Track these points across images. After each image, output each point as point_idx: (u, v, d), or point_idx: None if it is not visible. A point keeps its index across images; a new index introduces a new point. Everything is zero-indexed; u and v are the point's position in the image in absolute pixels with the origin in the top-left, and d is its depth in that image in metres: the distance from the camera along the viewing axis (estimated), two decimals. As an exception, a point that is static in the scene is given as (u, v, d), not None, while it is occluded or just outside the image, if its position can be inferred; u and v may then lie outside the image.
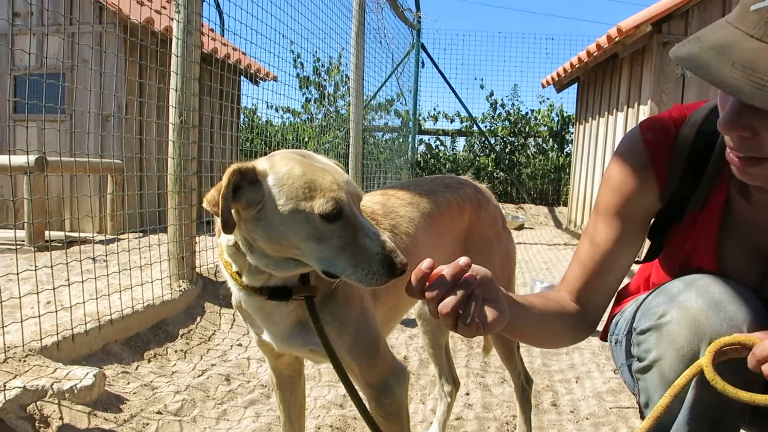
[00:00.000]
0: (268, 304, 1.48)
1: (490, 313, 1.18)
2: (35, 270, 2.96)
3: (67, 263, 3.28)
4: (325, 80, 12.69)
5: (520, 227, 11.72)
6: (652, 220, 1.57)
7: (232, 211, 1.32)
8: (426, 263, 1.17)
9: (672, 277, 1.53)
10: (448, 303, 1.13)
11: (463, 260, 1.18)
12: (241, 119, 11.14)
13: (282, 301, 1.46)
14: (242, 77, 9.14)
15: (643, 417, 1.56)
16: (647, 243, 1.63)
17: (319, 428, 2.52)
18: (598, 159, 10.01)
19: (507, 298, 1.33)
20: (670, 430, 1.42)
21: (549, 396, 3.06)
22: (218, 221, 1.35)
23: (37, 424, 2.35)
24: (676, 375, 1.29)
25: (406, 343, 3.85)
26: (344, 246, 1.30)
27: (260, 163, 1.38)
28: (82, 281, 3.26)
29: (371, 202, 1.87)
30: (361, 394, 1.49)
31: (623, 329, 1.67)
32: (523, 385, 2.36)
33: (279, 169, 1.34)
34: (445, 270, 1.16)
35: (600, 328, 1.77)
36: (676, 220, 1.51)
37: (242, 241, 1.41)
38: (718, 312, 1.31)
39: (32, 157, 5.37)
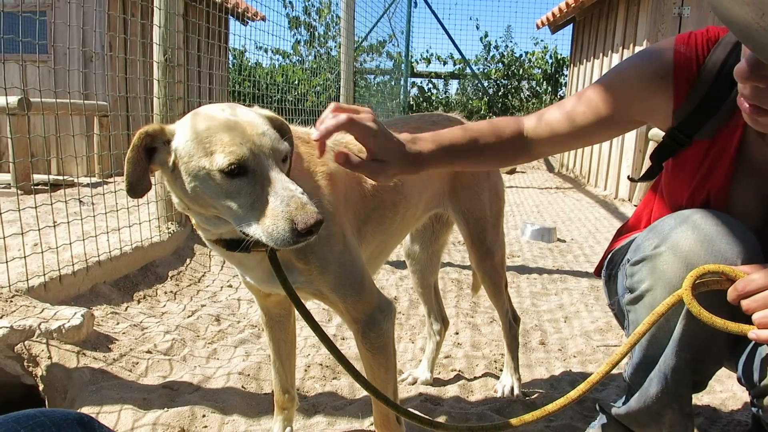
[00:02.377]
0: (236, 253, 1.44)
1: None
2: (19, 211, 2.91)
3: (51, 204, 3.23)
4: (315, 20, 12.39)
5: (513, 171, 11.68)
6: (658, 144, 1.54)
7: (158, 173, 1.32)
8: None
9: (677, 208, 1.52)
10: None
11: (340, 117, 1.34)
12: (230, 60, 10.91)
13: (243, 252, 1.41)
14: (230, 16, 8.89)
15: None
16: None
17: (309, 366, 2.53)
18: (591, 102, 9.89)
19: (421, 143, 1.46)
20: (658, 361, 1.43)
21: (537, 335, 3.08)
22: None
23: (25, 363, 2.35)
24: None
25: (396, 284, 3.86)
26: (253, 203, 1.23)
27: (173, 124, 1.34)
28: (68, 222, 3.22)
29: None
30: (348, 331, 1.48)
31: (617, 264, 1.68)
32: (511, 323, 2.37)
33: (185, 127, 1.30)
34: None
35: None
36: (680, 146, 1.48)
37: (176, 201, 1.40)
38: (710, 247, 1.30)
39: (14, 98, 5.24)
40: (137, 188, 1.32)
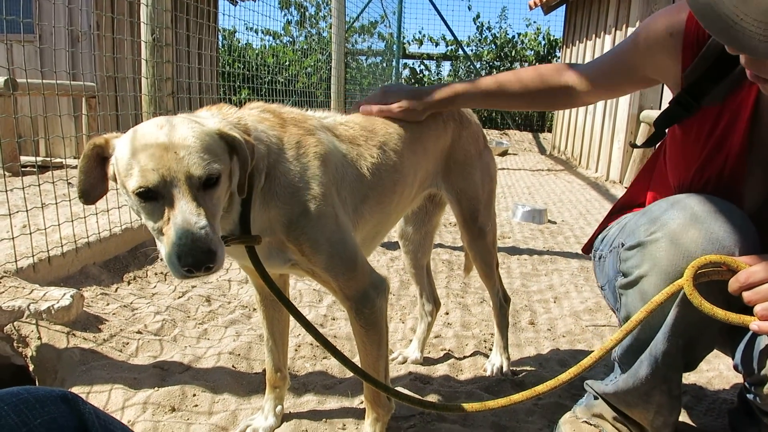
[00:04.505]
0: None
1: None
2: (6, 192, 2.89)
3: (39, 185, 3.20)
4: (306, 0, 12.27)
5: (504, 153, 11.69)
6: (663, 110, 1.54)
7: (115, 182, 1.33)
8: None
9: (683, 181, 1.52)
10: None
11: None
12: (220, 40, 10.80)
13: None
14: (219, -5, 8.79)
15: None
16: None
17: (299, 346, 2.54)
18: (583, 83, 9.88)
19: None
20: (649, 345, 1.44)
21: (527, 315, 3.10)
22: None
23: (15, 344, 2.35)
24: (657, 293, 1.30)
25: (387, 265, 3.87)
26: (161, 228, 1.24)
27: (119, 138, 1.34)
28: (56, 203, 3.20)
29: (359, 119, 1.84)
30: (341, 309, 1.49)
31: (608, 245, 1.68)
32: (501, 302, 2.39)
33: (122, 144, 1.30)
34: None
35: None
36: (686, 112, 1.48)
37: None
38: (707, 234, 1.29)
39: (0, 79, 5.18)
40: (90, 195, 1.36)
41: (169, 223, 1.21)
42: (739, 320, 1.21)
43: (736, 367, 1.44)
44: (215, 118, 1.41)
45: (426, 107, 1.91)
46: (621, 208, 1.84)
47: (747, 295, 1.20)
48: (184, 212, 1.21)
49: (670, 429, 1.60)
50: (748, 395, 1.42)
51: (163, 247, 1.23)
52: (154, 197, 1.23)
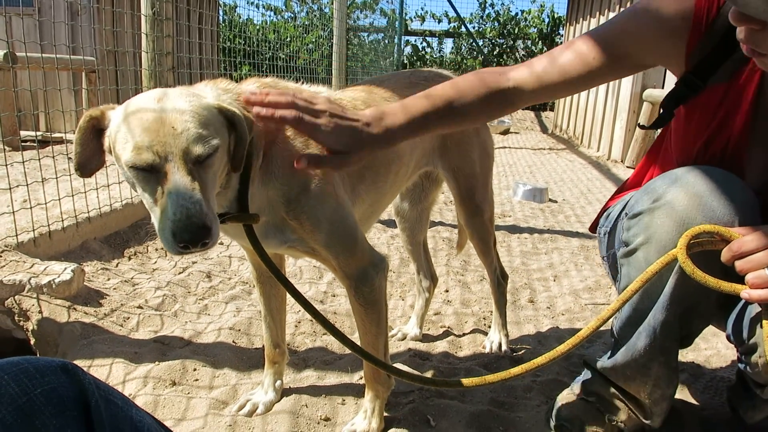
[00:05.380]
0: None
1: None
2: (6, 166, 2.88)
3: (39, 160, 3.19)
4: (307, -25, 12.14)
5: (506, 132, 11.64)
6: (669, 91, 1.52)
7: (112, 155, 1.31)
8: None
9: (687, 157, 1.51)
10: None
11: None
12: (220, 15, 10.70)
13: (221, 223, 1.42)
14: (220, -31, 8.69)
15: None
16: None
17: (299, 322, 2.55)
18: (587, 62, 9.79)
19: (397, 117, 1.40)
20: (647, 316, 1.46)
21: (527, 293, 3.11)
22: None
23: (16, 318, 2.36)
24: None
25: (387, 243, 3.87)
26: (155, 203, 1.22)
27: (114, 109, 1.33)
28: (57, 178, 3.20)
29: (353, 96, 1.82)
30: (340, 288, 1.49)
31: (612, 220, 1.69)
32: (499, 280, 2.39)
33: (117, 115, 1.29)
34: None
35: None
36: (693, 92, 1.46)
37: None
38: (703, 207, 1.32)
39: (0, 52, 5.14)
40: (86, 168, 1.35)
41: (164, 197, 1.20)
42: (731, 288, 1.23)
43: (728, 338, 1.46)
44: (214, 92, 1.39)
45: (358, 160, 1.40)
46: (627, 187, 1.84)
47: (739, 264, 1.22)
48: (179, 187, 1.19)
49: (668, 402, 1.62)
50: (740, 365, 1.44)
51: (158, 221, 1.21)
52: (149, 170, 1.22)
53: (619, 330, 1.58)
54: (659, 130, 1.76)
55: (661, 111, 1.58)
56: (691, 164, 1.49)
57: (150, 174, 1.22)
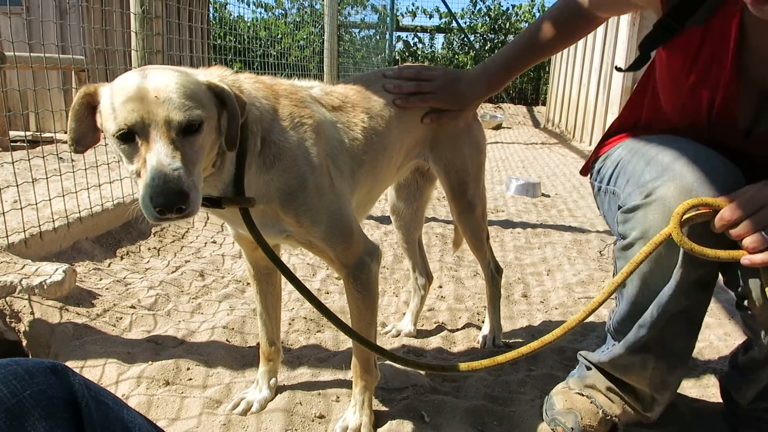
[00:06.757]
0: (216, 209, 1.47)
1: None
2: (-4, 166, 2.86)
3: (29, 160, 3.17)
4: (298, -28, 12.09)
5: (499, 126, 11.65)
6: (647, 34, 1.55)
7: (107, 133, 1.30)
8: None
9: (676, 102, 1.56)
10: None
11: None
12: (211, 13, 10.65)
13: (216, 208, 1.45)
14: (209, -33, 8.64)
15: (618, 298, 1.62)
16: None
17: (293, 320, 2.55)
18: (578, 58, 9.83)
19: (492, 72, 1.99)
20: (646, 309, 1.47)
21: (520, 288, 3.12)
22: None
23: (8, 319, 2.34)
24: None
25: (380, 239, 3.87)
26: (138, 171, 1.23)
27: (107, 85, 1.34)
28: (47, 178, 3.18)
29: (344, 89, 1.83)
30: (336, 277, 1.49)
31: (605, 180, 1.69)
32: (493, 274, 2.39)
33: (106, 91, 1.30)
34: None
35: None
36: (670, 34, 1.48)
37: None
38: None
39: (-12, 52, 5.10)
40: (80, 143, 1.36)
41: (145, 165, 1.21)
42: (729, 256, 1.24)
43: (726, 283, 1.48)
44: (207, 73, 1.41)
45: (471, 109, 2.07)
46: (616, 130, 1.85)
47: (734, 232, 1.23)
48: (159, 153, 1.20)
49: (671, 391, 1.64)
50: (740, 312, 1.45)
51: (139, 190, 1.22)
52: (132, 139, 1.23)
53: (617, 324, 1.59)
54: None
55: (638, 53, 1.61)
56: (679, 110, 1.52)
57: (134, 146, 1.24)
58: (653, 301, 1.46)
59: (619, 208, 1.52)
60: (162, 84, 1.25)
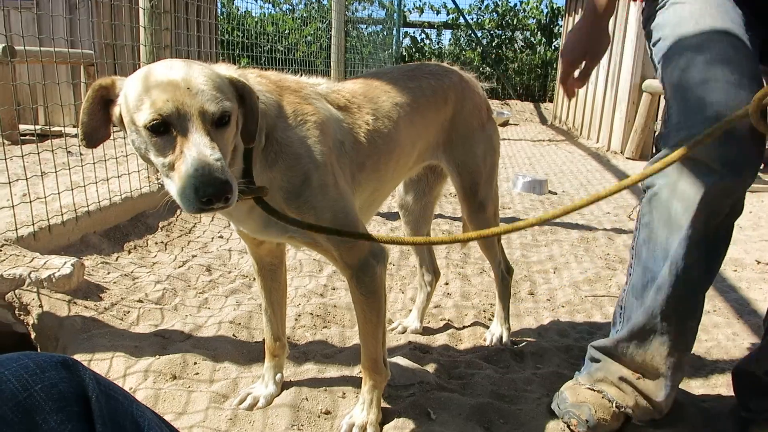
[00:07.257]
0: None
1: None
2: (5, 160, 2.87)
3: (38, 154, 3.19)
4: (305, -33, 12.08)
5: (505, 123, 11.61)
6: None
7: (122, 126, 1.31)
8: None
9: None
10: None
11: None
12: (218, 8, 10.65)
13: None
14: (217, -38, 8.64)
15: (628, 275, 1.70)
16: None
17: (299, 315, 2.55)
18: (586, 53, 9.75)
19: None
20: (659, 274, 1.56)
21: (527, 286, 3.11)
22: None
23: (17, 312, 2.36)
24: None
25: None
26: (172, 163, 1.22)
27: (125, 79, 1.33)
28: (56, 172, 3.19)
29: (352, 87, 1.82)
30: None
31: (658, 53, 1.69)
32: (504, 274, 2.39)
33: (130, 83, 1.29)
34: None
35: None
36: None
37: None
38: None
39: (-2, 46, 5.12)
40: (92, 138, 1.34)
41: (182, 157, 1.20)
42: None
43: None
44: (223, 68, 1.42)
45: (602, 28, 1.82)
46: None
47: None
48: (199, 144, 1.20)
49: (681, 374, 1.68)
50: None
51: (175, 182, 1.21)
52: (166, 131, 1.22)
53: (633, 292, 1.66)
54: (657, 126, 1.80)
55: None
56: None
57: (167, 138, 1.22)
58: (666, 261, 1.54)
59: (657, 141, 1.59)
60: (192, 76, 1.25)
